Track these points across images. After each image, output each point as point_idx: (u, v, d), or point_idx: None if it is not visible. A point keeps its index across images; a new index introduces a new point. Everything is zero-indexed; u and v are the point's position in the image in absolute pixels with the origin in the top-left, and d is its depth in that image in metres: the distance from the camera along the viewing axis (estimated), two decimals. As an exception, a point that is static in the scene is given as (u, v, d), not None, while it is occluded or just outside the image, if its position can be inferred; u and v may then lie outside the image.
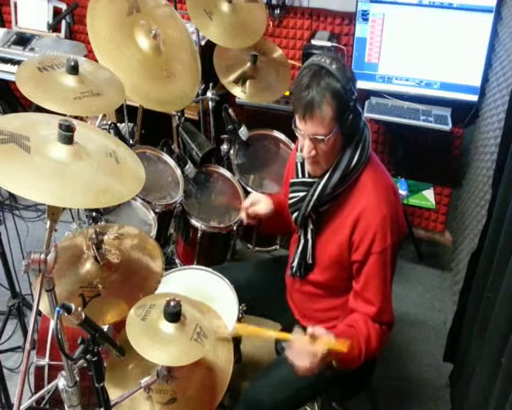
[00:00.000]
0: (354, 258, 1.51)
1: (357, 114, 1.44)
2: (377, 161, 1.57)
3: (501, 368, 1.45)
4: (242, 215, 1.78)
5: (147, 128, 2.68)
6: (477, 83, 2.52)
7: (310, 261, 1.63)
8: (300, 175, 1.61)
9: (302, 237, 1.64)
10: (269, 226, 1.85)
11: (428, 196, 2.86)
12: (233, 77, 2.35)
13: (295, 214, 1.61)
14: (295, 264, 1.68)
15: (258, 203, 1.75)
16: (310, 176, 1.58)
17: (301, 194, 1.57)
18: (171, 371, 1.33)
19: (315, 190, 1.51)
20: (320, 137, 1.41)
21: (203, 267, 1.91)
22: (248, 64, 2.37)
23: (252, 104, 2.83)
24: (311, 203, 1.53)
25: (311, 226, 1.60)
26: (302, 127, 1.43)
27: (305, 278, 1.68)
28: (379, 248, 1.45)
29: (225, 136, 2.46)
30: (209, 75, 2.34)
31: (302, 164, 1.59)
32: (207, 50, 2.45)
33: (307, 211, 1.55)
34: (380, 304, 1.49)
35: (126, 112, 2.55)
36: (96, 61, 1.72)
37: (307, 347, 1.38)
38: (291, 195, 1.61)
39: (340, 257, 1.54)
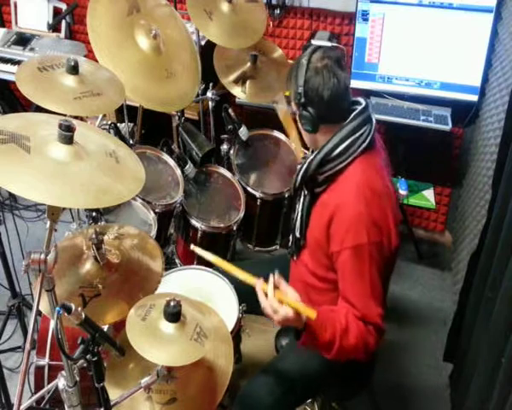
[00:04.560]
0: (331, 249, 1.52)
1: (307, 117, 1.52)
2: (376, 161, 1.57)
3: (501, 368, 1.45)
4: None
5: (147, 128, 2.68)
6: (477, 83, 2.52)
7: (297, 235, 1.67)
8: (309, 153, 1.71)
9: (296, 211, 1.71)
10: None
11: (428, 196, 2.86)
12: (233, 77, 2.35)
13: (292, 185, 1.69)
14: (290, 239, 1.75)
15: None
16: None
17: (299, 166, 1.64)
18: (171, 371, 1.33)
19: (302, 166, 1.59)
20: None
21: (203, 267, 1.91)
22: (248, 64, 2.37)
23: (252, 104, 2.83)
24: (299, 176, 1.59)
25: (301, 199, 1.66)
26: None
27: (299, 258, 1.71)
28: (351, 243, 1.44)
29: (225, 136, 2.46)
30: (209, 75, 2.34)
31: None
32: (207, 50, 2.45)
33: (297, 182, 1.62)
34: (358, 303, 1.46)
35: (126, 112, 2.55)
36: (96, 61, 1.72)
37: (273, 303, 1.39)
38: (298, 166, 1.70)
39: (320, 241, 1.55)
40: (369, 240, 1.44)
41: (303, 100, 1.50)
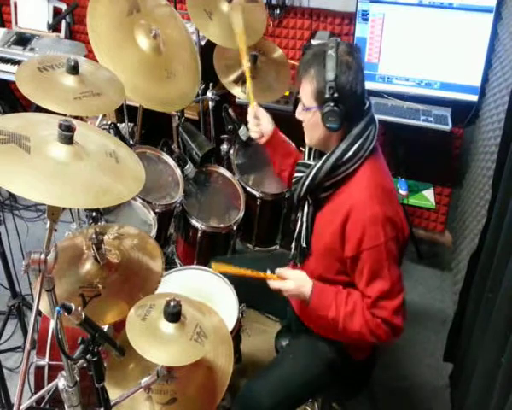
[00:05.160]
0: (346, 254, 1.50)
1: (337, 113, 1.43)
2: (381, 161, 1.57)
3: (501, 368, 1.45)
4: (250, 130, 1.97)
5: (147, 128, 2.68)
6: (477, 83, 2.52)
7: (304, 245, 1.65)
8: (306, 158, 1.66)
9: (299, 220, 1.67)
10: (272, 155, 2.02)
11: (428, 196, 2.86)
12: (233, 77, 2.35)
13: (294, 194, 1.65)
14: (293, 246, 1.73)
15: (261, 119, 1.97)
16: (314, 159, 1.62)
17: (300, 174, 1.60)
18: (171, 371, 1.33)
19: (309, 173, 1.54)
20: (302, 104, 1.51)
21: (203, 267, 1.91)
22: (248, 64, 2.37)
23: (252, 104, 2.82)
24: (305, 185, 1.56)
25: (306, 210, 1.63)
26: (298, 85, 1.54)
27: (303, 266, 1.69)
28: (369, 245, 1.44)
29: (225, 136, 2.46)
30: (209, 75, 2.34)
31: (310, 148, 1.65)
32: (207, 50, 2.45)
33: (302, 192, 1.58)
34: (373, 296, 1.47)
35: (126, 112, 2.54)
36: (96, 61, 1.72)
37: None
38: (294, 174, 1.66)
39: (333, 245, 1.54)
40: (385, 238, 1.44)
41: (336, 95, 1.41)
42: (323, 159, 1.51)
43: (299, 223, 1.68)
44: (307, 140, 1.60)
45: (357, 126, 1.48)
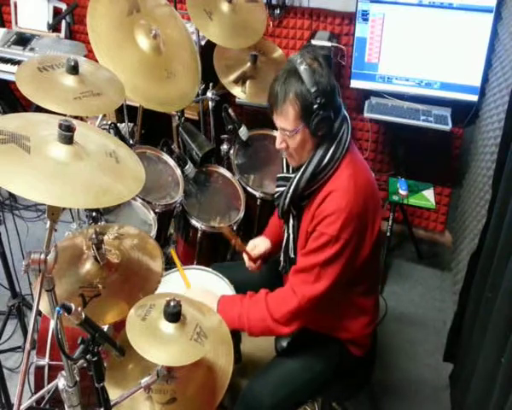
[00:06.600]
0: (308, 229, 1.54)
1: (327, 117, 1.44)
2: (356, 156, 1.56)
3: (501, 368, 1.45)
4: (250, 264, 1.88)
5: (147, 128, 2.68)
6: (477, 83, 2.52)
7: (292, 255, 1.67)
8: (285, 170, 1.66)
9: (285, 232, 1.68)
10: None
11: (428, 196, 2.86)
12: (233, 77, 2.35)
13: (278, 208, 1.65)
14: (282, 258, 1.74)
15: (258, 246, 1.89)
16: (293, 171, 1.61)
17: (282, 188, 1.61)
18: (171, 371, 1.33)
19: (291, 185, 1.55)
20: (286, 132, 1.47)
21: (203, 267, 1.91)
22: (248, 64, 2.37)
23: (252, 104, 2.83)
24: (288, 198, 1.57)
25: (291, 221, 1.64)
26: (274, 118, 1.50)
27: None
28: (322, 229, 1.46)
29: (225, 136, 2.46)
30: (209, 75, 2.34)
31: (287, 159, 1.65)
32: (207, 50, 2.45)
33: (285, 205, 1.59)
34: (292, 283, 1.53)
35: (126, 112, 2.54)
36: (96, 61, 1.72)
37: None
38: (276, 189, 1.67)
39: None
40: (338, 235, 1.44)
41: (323, 100, 1.41)
42: (302, 169, 1.50)
43: (285, 235, 1.69)
44: (296, 162, 1.56)
45: (330, 133, 1.48)
